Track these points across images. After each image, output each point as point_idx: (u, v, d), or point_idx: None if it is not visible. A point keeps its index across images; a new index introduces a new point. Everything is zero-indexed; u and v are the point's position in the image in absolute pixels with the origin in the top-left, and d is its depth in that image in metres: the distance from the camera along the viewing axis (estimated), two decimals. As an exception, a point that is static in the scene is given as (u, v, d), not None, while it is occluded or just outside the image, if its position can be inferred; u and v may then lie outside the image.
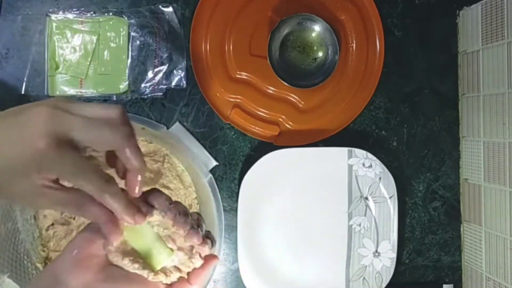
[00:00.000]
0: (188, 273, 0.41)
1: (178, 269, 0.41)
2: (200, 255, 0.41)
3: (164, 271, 0.40)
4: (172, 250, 0.40)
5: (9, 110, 0.34)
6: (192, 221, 0.40)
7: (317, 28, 0.60)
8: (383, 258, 0.61)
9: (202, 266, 0.41)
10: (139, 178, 0.37)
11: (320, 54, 0.61)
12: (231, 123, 0.62)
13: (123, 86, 0.59)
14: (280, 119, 0.62)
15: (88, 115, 0.34)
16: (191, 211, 0.42)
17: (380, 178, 0.60)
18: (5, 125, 0.33)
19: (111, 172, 0.38)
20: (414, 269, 0.65)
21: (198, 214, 0.41)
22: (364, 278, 0.61)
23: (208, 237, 0.41)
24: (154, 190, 0.40)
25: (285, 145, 0.60)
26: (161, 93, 0.60)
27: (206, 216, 0.59)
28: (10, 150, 0.32)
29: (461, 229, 0.65)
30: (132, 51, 0.59)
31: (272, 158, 0.58)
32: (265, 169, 0.59)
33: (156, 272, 0.39)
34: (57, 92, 0.58)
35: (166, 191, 0.58)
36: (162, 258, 0.39)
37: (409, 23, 0.64)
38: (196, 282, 0.40)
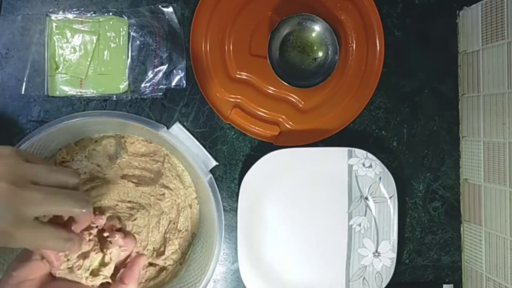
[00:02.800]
0: (121, 274, 0.46)
1: (103, 264, 0.47)
2: (115, 241, 0.46)
3: (93, 273, 0.46)
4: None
5: None
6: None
7: (317, 28, 0.60)
8: (383, 258, 0.61)
9: (131, 265, 0.46)
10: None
11: (320, 54, 0.61)
12: (231, 123, 0.62)
13: (123, 86, 0.59)
14: (280, 119, 0.62)
15: (47, 183, 0.37)
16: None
17: (380, 178, 0.60)
18: None
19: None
20: (414, 269, 0.65)
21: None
22: (364, 278, 0.61)
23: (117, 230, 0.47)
24: None
25: (285, 145, 0.60)
26: (161, 93, 0.60)
27: (206, 216, 0.59)
28: None
29: (461, 229, 0.65)
30: (132, 51, 0.59)
31: (272, 158, 0.58)
32: (265, 169, 0.59)
33: (93, 274, 0.46)
34: (57, 92, 0.59)
35: (166, 191, 0.58)
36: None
37: (409, 23, 0.64)
38: (130, 281, 0.45)
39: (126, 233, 0.45)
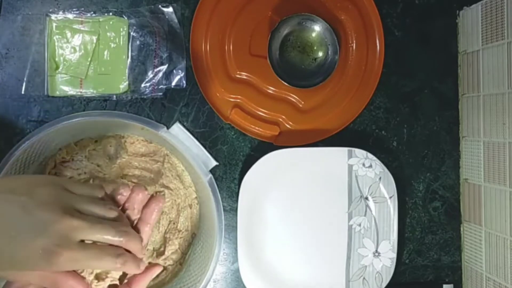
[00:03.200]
0: (130, 278, 0.43)
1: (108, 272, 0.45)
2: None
3: (99, 277, 0.44)
4: None
5: (20, 189, 0.36)
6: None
7: (317, 28, 0.60)
8: (383, 258, 0.61)
9: (144, 272, 0.43)
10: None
11: (320, 54, 0.61)
12: (231, 123, 0.62)
13: (123, 86, 0.59)
14: (280, 119, 0.62)
15: (89, 213, 0.38)
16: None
17: (380, 178, 0.60)
18: (18, 212, 0.35)
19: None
20: (414, 269, 0.65)
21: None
22: (364, 278, 0.61)
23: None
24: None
25: (285, 145, 0.60)
26: (161, 93, 0.60)
27: (206, 216, 0.59)
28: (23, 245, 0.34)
29: (461, 229, 0.65)
30: (132, 51, 0.59)
31: (272, 158, 0.58)
32: (265, 169, 0.59)
33: (98, 278, 0.44)
34: (57, 92, 0.59)
35: (166, 191, 0.58)
36: None
37: (409, 23, 0.64)
38: (137, 287, 0.43)
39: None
